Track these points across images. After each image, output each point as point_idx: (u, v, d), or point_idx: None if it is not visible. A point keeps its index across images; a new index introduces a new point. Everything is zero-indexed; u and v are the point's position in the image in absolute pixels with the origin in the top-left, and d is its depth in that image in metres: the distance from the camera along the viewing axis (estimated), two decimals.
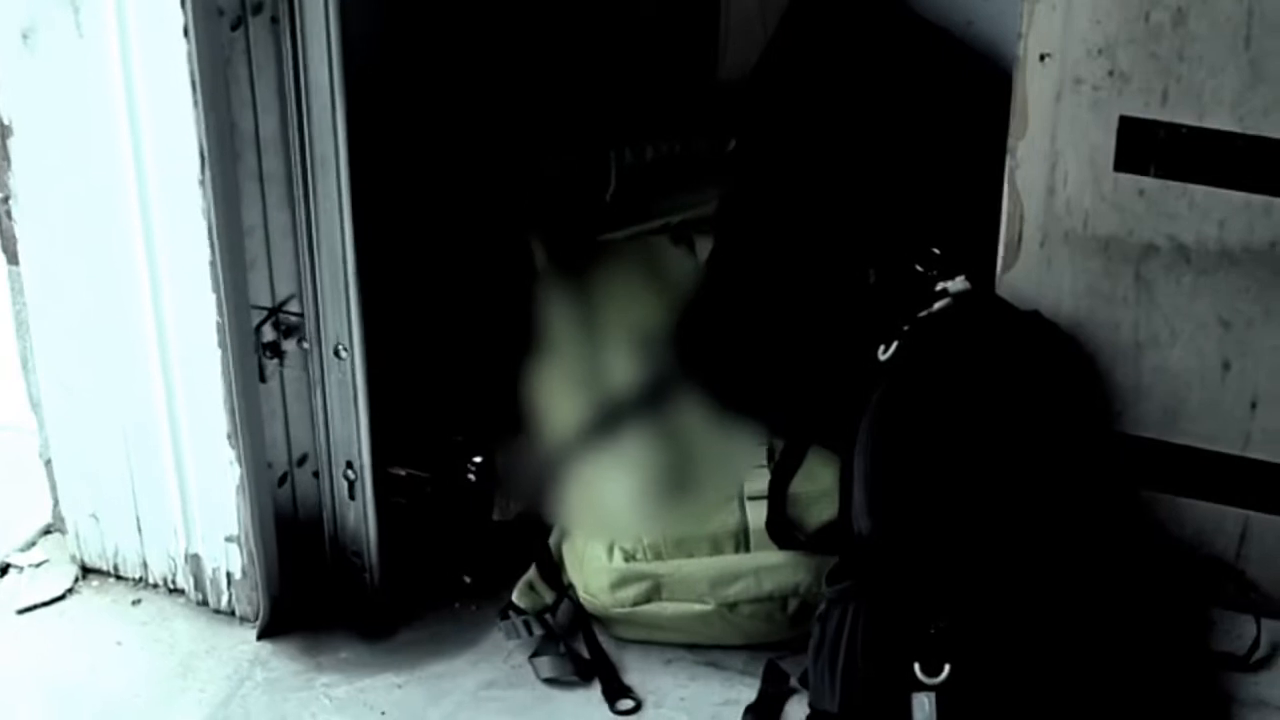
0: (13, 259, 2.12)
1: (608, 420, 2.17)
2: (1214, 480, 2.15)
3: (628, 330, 2.24)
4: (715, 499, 2.11)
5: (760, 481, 2.11)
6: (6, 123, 2.02)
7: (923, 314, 2.09)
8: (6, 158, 2.04)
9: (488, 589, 2.22)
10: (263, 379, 2.11)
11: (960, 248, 2.17)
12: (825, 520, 2.07)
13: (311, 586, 2.21)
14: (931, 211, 2.23)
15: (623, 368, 2.21)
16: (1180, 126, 2.02)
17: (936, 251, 2.16)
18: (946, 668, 1.88)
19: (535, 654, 2.13)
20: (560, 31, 2.47)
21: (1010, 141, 2.09)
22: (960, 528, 1.94)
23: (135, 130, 1.97)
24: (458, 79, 2.38)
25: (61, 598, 2.25)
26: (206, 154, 1.94)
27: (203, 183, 1.96)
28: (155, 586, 2.24)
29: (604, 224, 2.39)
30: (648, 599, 2.10)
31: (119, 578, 2.25)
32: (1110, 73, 2.02)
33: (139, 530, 2.21)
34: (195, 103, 1.92)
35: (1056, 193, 2.09)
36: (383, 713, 2.10)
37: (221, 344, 2.03)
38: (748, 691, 2.09)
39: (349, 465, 2.15)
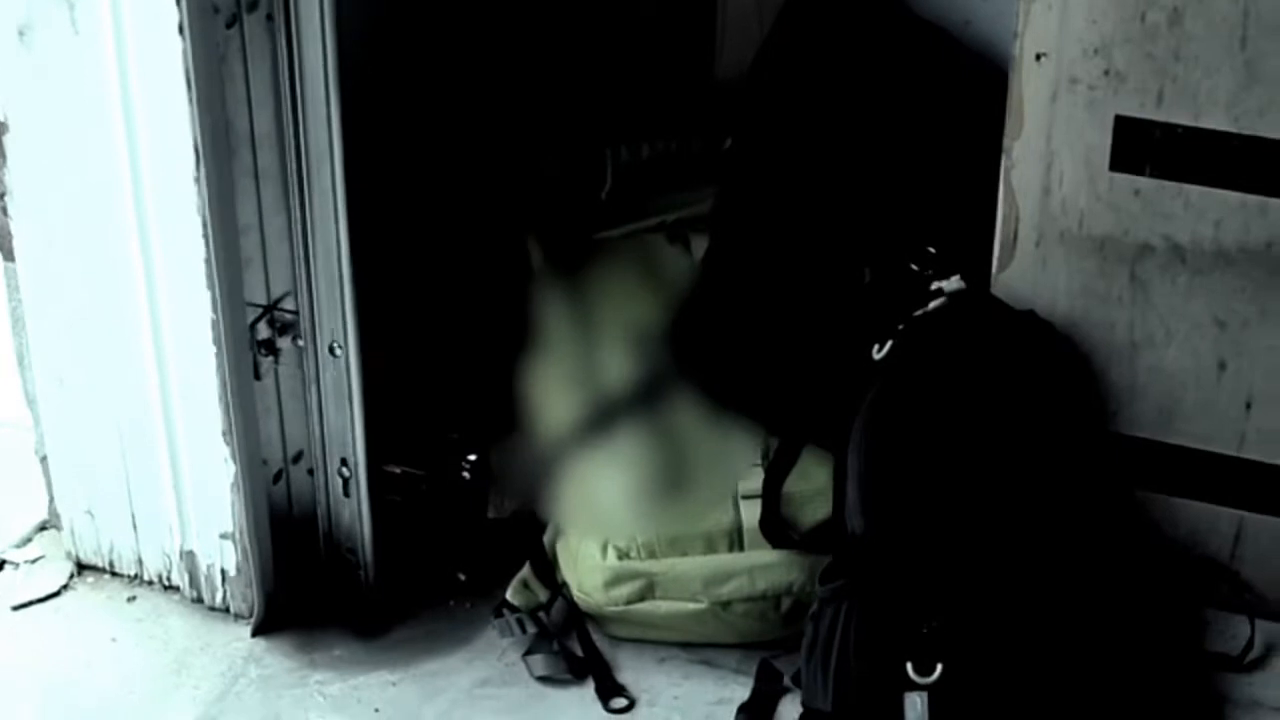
0: (8, 256, 2.12)
1: (602, 418, 2.16)
2: (1209, 480, 2.14)
3: (623, 328, 2.24)
4: (709, 497, 2.11)
5: (754, 480, 2.11)
6: (2, 119, 2.02)
7: (918, 313, 2.08)
8: (2, 154, 2.04)
9: (482, 587, 2.22)
10: (258, 376, 2.11)
11: (956, 247, 2.17)
12: (819, 519, 2.08)
13: (306, 584, 2.21)
14: (927, 210, 2.23)
15: (618, 366, 2.21)
16: (1176, 126, 2.01)
17: (932, 251, 2.16)
18: (939, 667, 1.88)
19: (529, 652, 2.13)
20: (557, 29, 2.47)
21: (1006, 141, 2.09)
22: (953, 527, 1.94)
23: (130, 127, 1.97)
24: (453, 77, 2.38)
25: (56, 594, 2.25)
26: (201, 151, 1.94)
27: (197, 180, 1.96)
28: (150, 583, 2.24)
29: (600, 222, 2.39)
30: (641, 597, 2.10)
31: (114, 574, 2.26)
32: (1106, 72, 2.02)
33: (134, 527, 2.21)
34: (190, 100, 1.92)
35: (1052, 192, 2.08)
36: (376, 710, 2.10)
37: (216, 341, 2.03)
38: (741, 690, 2.09)
39: (344, 463, 2.16)
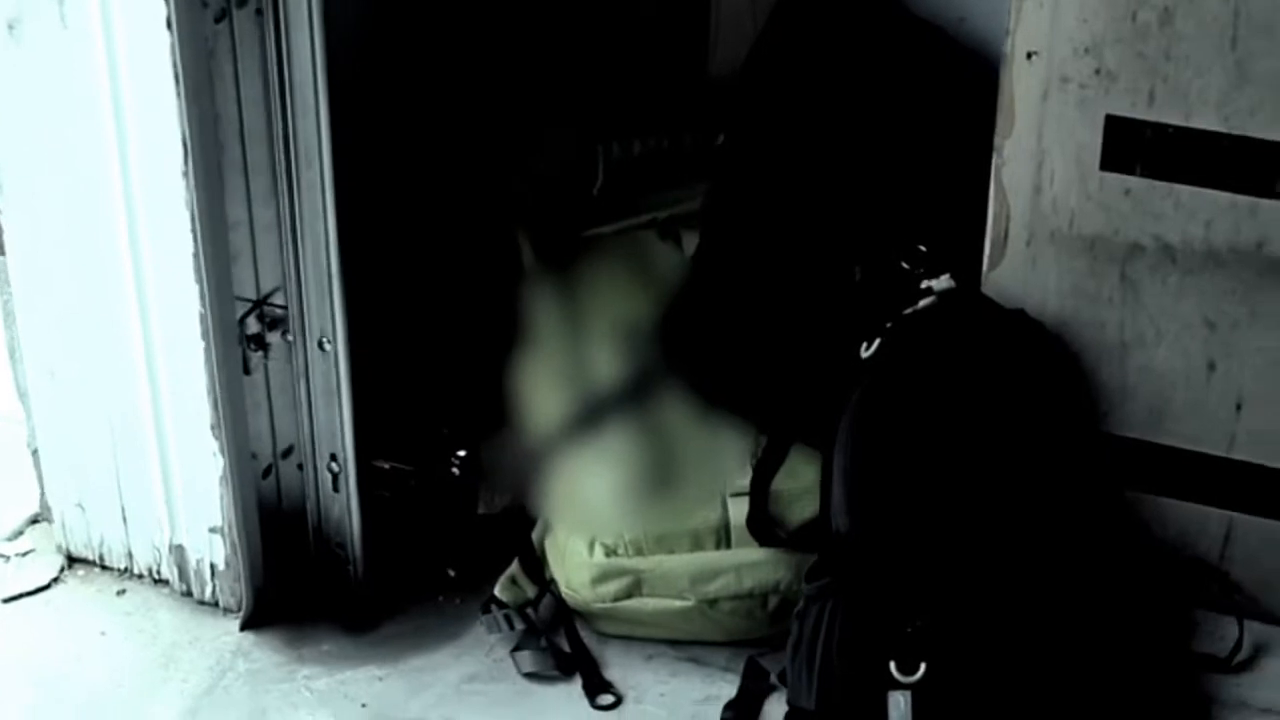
0: None
1: (591, 415, 2.16)
2: (1198, 481, 2.14)
3: (613, 325, 2.24)
4: (697, 495, 2.11)
5: (742, 478, 2.11)
6: None
7: (907, 311, 2.08)
8: None
9: (471, 582, 2.22)
10: (247, 371, 2.11)
11: (947, 246, 2.17)
12: (807, 518, 2.07)
13: (295, 578, 2.21)
14: (919, 209, 2.23)
15: (608, 363, 2.21)
16: (1166, 126, 2.01)
17: (923, 249, 2.16)
18: (922, 667, 1.88)
19: (517, 648, 2.13)
20: (550, 25, 2.47)
21: (997, 139, 2.08)
22: (939, 527, 1.94)
23: (120, 122, 1.97)
24: (445, 72, 2.38)
25: (47, 587, 2.25)
26: (189, 146, 1.94)
27: (186, 174, 1.96)
28: (140, 577, 2.25)
29: (591, 218, 2.39)
30: (628, 594, 2.10)
31: (104, 568, 2.26)
32: (1097, 71, 2.01)
33: (124, 520, 2.22)
34: (178, 94, 1.92)
35: (1043, 191, 2.08)
36: (363, 705, 2.10)
37: (204, 336, 2.03)
38: (728, 688, 2.09)
39: (333, 458, 2.16)
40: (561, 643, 2.15)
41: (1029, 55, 2.04)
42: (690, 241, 2.32)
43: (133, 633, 2.19)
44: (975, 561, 1.94)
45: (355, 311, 2.09)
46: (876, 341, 2.05)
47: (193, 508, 2.16)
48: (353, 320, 2.09)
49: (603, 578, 2.10)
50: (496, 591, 2.17)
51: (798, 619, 1.96)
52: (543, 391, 2.22)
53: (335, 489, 2.17)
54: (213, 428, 2.08)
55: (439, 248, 2.33)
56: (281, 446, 2.18)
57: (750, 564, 2.08)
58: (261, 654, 2.16)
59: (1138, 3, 1.97)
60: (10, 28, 1.96)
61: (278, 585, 2.20)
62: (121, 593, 2.24)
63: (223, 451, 2.09)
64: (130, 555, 2.24)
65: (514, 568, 2.19)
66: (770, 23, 2.34)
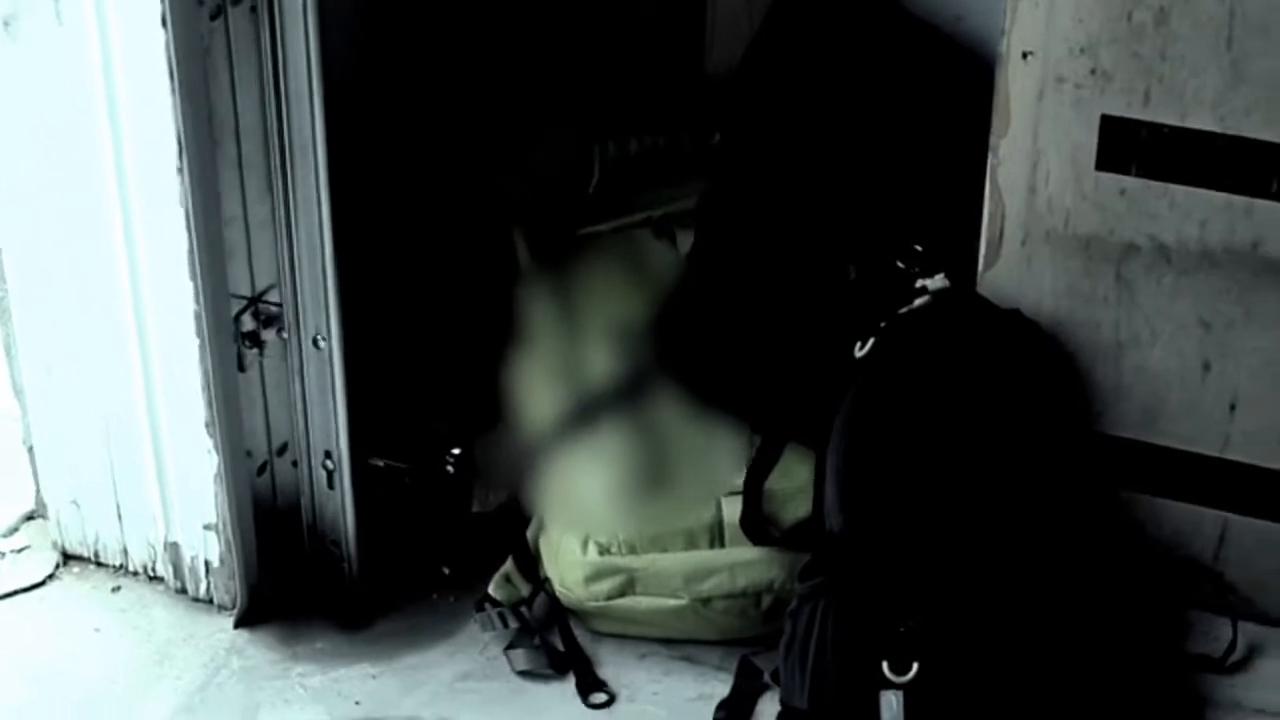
0: None
1: (586, 413, 2.16)
2: (1193, 481, 2.14)
3: (608, 323, 2.24)
4: (691, 494, 2.11)
5: (736, 477, 2.10)
6: None
7: (901, 311, 2.08)
8: None
9: (466, 580, 2.22)
10: (242, 368, 2.11)
11: (943, 245, 2.17)
12: (800, 517, 2.07)
13: (290, 576, 2.21)
14: (915, 208, 2.23)
15: (602, 361, 2.21)
16: (1162, 126, 2.01)
17: (918, 248, 2.16)
18: (915, 666, 1.88)
19: (510, 646, 2.13)
20: (547, 23, 2.47)
21: (992, 139, 2.08)
22: (932, 527, 1.94)
23: (114, 118, 1.97)
24: (441, 70, 2.38)
25: (42, 584, 2.25)
26: (184, 142, 1.94)
27: (180, 171, 1.96)
28: (135, 574, 2.25)
29: (586, 217, 2.39)
30: (622, 593, 2.10)
31: (99, 564, 2.26)
32: (1092, 71, 2.01)
33: (119, 517, 2.22)
34: (173, 91, 1.92)
35: (1038, 191, 2.08)
36: (357, 703, 2.10)
37: (199, 333, 2.03)
38: (721, 687, 2.09)
39: (328, 455, 2.16)
40: (555, 641, 2.14)
41: (1024, 55, 2.03)
42: (686, 240, 2.32)
43: (127, 629, 2.19)
44: (968, 561, 1.94)
45: (350, 309, 2.09)
46: (870, 341, 2.05)
47: (187, 505, 2.16)
48: (347, 317, 2.09)
49: (596, 576, 2.10)
50: (490, 590, 2.18)
51: (791, 618, 1.96)
52: (537, 389, 2.21)
53: (330, 486, 2.17)
54: (207, 425, 2.08)
55: (434, 245, 2.32)
56: (276, 444, 2.18)
57: (744, 563, 2.08)
58: (255, 651, 2.16)
59: (1133, 2, 1.97)
60: (5, 24, 1.96)
61: (272, 582, 2.20)
62: (116, 589, 2.24)
63: (217, 449, 2.09)
64: (125, 552, 2.24)
65: (508, 566, 2.19)
66: (766, 22, 2.35)
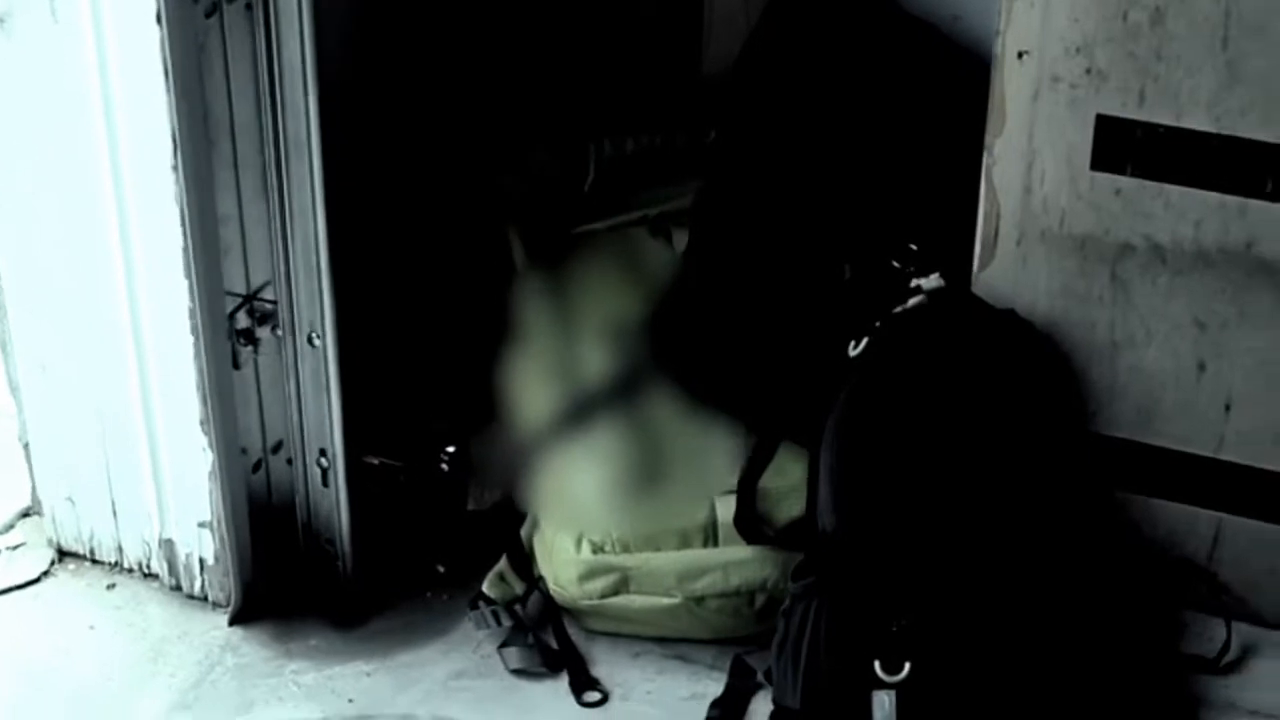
0: None
1: (580, 412, 2.16)
2: (1187, 482, 2.14)
3: (603, 322, 2.24)
4: (685, 492, 2.11)
5: (730, 476, 2.10)
6: None
7: (896, 310, 2.08)
8: None
9: (461, 578, 2.22)
10: (236, 366, 2.12)
11: (939, 244, 2.17)
12: (794, 516, 2.07)
13: (284, 573, 2.21)
14: (911, 207, 2.22)
15: (597, 360, 2.21)
16: (1157, 126, 2.01)
17: (914, 248, 2.16)
18: (907, 666, 1.88)
19: (504, 644, 2.14)
20: (543, 21, 2.47)
21: (988, 139, 2.08)
22: (925, 526, 1.94)
23: (109, 116, 1.97)
24: (437, 68, 2.38)
25: (37, 580, 2.26)
26: (179, 140, 1.94)
27: (175, 169, 1.96)
28: (130, 571, 2.25)
29: (582, 215, 2.39)
30: (615, 591, 2.10)
31: (95, 561, 2.26)
32: (1088, 71, 2.01)
33: (114, 514, 2.22)
34: (168, 89, 1.92)
35: (1033, 191, 2.08)
36: (350, 700, 2.10)
37: (194, 330, 2.04)
38: (715, 686, 2.09)
39: (322, 453, 2.16)
40: (549, 639, 2.14)
41: (1020, 55, 2.03)
42: (681, 239, 2.32)
43: (122, 627, 2.19)
44: (961, 561, 1.94)
45: (345, 307, 2.09)
46: (864, 340, 2.05)
47: (182, 502, 2.16)
48: (342, 315, 2.09)
49: (590, 574, 2.10)
50: (484, 588, 2.17)
51: (783, 617, 1.96)
52: (532, 388, 2.22)
53: (324, 484, 2.17)
54: (202, 423, 2.09)
55: (429, 243, 2.32)
56: (271, 441, 2.18)
57: (737, 562, 2.08)
58: (249, 649, 2.16)
59: (1129, 2, 1.97)
60: (1, 21, 1.96)
61: (267, 580, 2.20)
62: (111, 587, 2.24)
63: (212, 446, 2.09)
64: (120, 549, 2.24)
65: (502, 564, 2.19)
66: (763, 20, 2.34)
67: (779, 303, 2.16)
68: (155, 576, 2.23)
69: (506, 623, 2.15)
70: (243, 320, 2.11)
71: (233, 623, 2.18)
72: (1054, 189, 2.07)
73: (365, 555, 2.21)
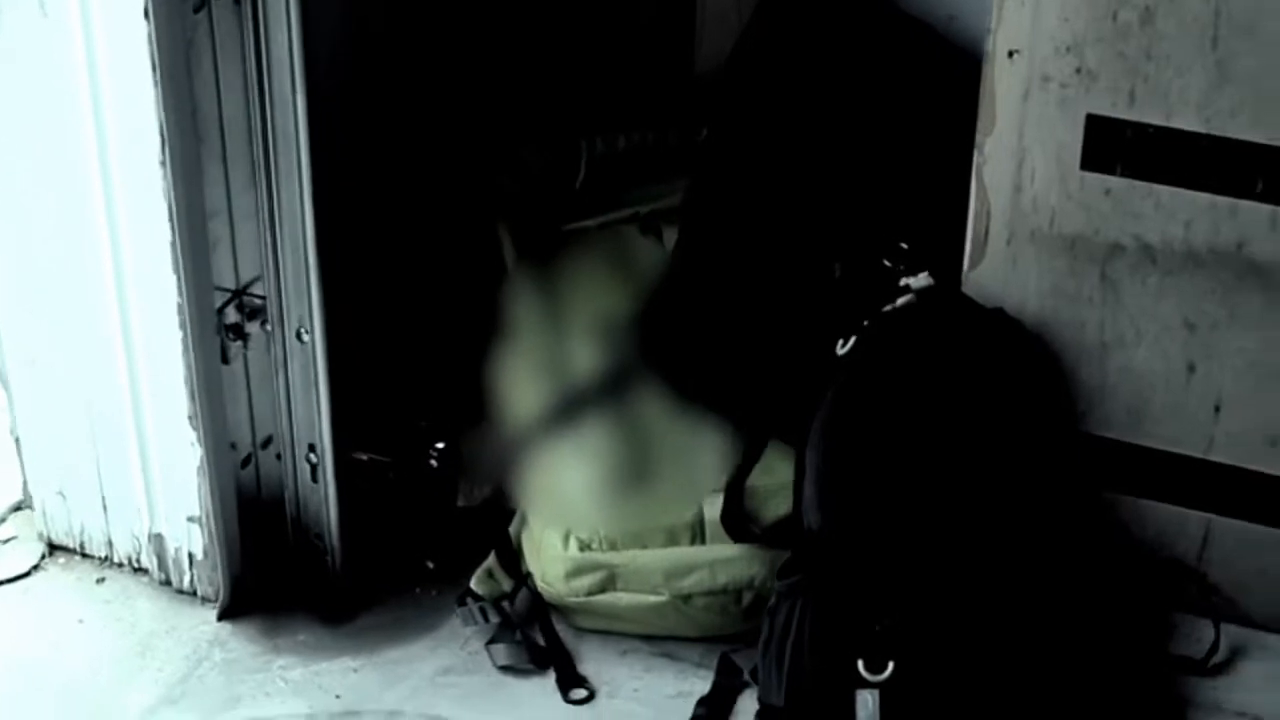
0: None
1: (569, 409, 2.16)
2: (1177, 482, 2.13)
3: (593, 319, 2.24)
4: (673, 491, 2.11)
5: (719, 476, 2.10)
6: None
7: (885, 309, 2.08)
8: None
9: (450, 575, 2.22)
10: (226, 361, 2.12)
11: (930, 243, 2.16)
12: (782, 514, 2.07)
13: (273, 568, 2.22)
14: (904, 206, 2.22)
15: (587, 357, 2.20)
16: (1147, 126, 2.00)
17: (905, 247, 2.15)
18: (890, 665, 1.88)
19: (492, 641, 2.13)
20: (535, 18, 2.46)
21: (978, 138, 2.08)
22: (910, 526, 1.93)
23: (98, 110, 1.97)
24: (428, 64, 2.38)
25: (27, 574, 2.26)
26: (166, 135, 1.94)
27: (163, 163, 1.96)
28: (120, 565, 2.25)
29: (573, 212, 2.39)
30: (603, 589, 2.10)
31: (85, 555, 2.26)
32: (1078, 71, 2.01)
33: (104, 509, 2.22)
34: (155, 83, 1.92)
35: (1023, 190, 2.07)
36: (337, 696, 2.10)
37: (182, 325, 2.04)
38: (701, 684, 2.09)
39: (311, 448, 2.16)
40: (537, 636, 2.14)
41: (1010, 54, 2.03)
42: (672, 237, 2.31)
43: (111, 621, 2.19)
44: (946, 561, 1.93)
45: (334, 302, 2.09)
46: (852, 339, 2.04)
47: (171, 497, 2.16)
48: (331, 311, 2.09)
49: (577, 571, 2.10)
50: (472, 584, 2.17)
51: (769, 616, 1.96)
52: (522, 385, 2.21)
53: (314, 480, 2.17)
54: (190, 418, 2.09)
55: (419, 239, 2.32)
56: (261, 436, 2.18)
57: (724, 560, 2.08)
58: (238, 643, 2.16)
59: (1119, 2, 1.96)
60: None
61: (255, 575, 2.20)
62: (101, 581, 2.24)
63: (200, 441, 2.09)
64: (110, 544, 2.24)
65: (490, 561, 2.19)
66: (755, 18, 2.34)
67: (769, 301, 2.16)
68: (145, 571, 2.23)
69: (494, 619, 2.15)
70: (232, 315, 2.11)
71: (221, 618, 2.18)
72: (1044, 188, 2.06)
73: (354, 551, 2.21)
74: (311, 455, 2.16)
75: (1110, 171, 2.03)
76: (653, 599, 2.10)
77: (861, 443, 1.98)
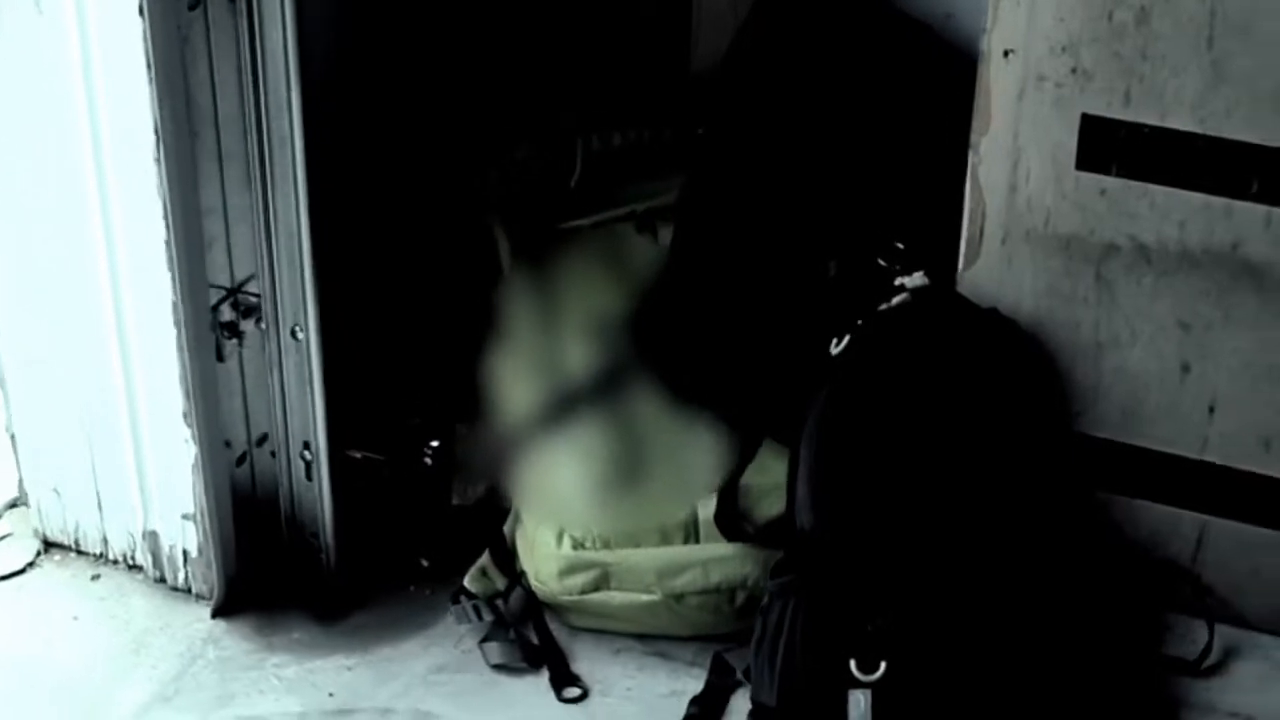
0: None
1: (563, 407, 2.16)
2: (1171, 483, 2.13)
3: (588, 318, 2.23)
4: (666, 490, 2.11)
5: (713, 477, 2.10)
6: None
7: (880, 309, 2.07)
8: None
9: (445, 573, 2.22)
10: (220, 358, 2.12)
11: (925, 243, 2.16)
12: (775, 514, 2.07)
13: (268, 566, 2.22)
14: (899, 205, 2.22)
15: (581, 355, 2.20)
16: (1142, 126, 2.00)
17: (900, 246, 2.15)
18: (882, 665, 1.88)
19: (485, 639, 2.14)
20: (531, 15, 2.46)
21: (973, 137, 2.08)
22: (904, 526, 1.93)
23: (93, 108, 1.98)
24: (423, 62, 2.38)
25: (23, 571, 2.26)
26: (161, 132, 1.94)
27: (158, 161, 1.96)
28: (115, 562, 2.25)
29: (568, 210, 2.38)
30: (596, 587, 2.10)
31: (80, 552, 2.27)
32: (1073, 70, 2.01)
33: (99, 506, 2.22)
34: (150, 81, 1.92)
35: (1018, 190, 2.07)
36: (330, 694, 2.10)
37: (177, 323, 2.04)
38: (694, 683, 2.09)
39: (306, 446, 2.16)
40: (530, 635, 2.14)
41: (1005, 53, 2.03)
42: (667, 235, 2.31)
43: (105, 618, 2.19)
44: (940, 561, 1.93)
45: (329, 301, 2.09)
46: (846, 338, 2.04)
47: (166, 494, 2.16)
48: (326, 309, 2.09)
49: (570, 570, 2.10)
50: (466, 583, 2.18)
51: (761, 615, 1.96)
52: (516, 383, 2.21)
53: (308, 478, 2.17)
54: (185, 415, 2.09)
55: (414, 238, 2.32)
56: (256, 434, 2.18)
57: (717, 559, 2.08)
58: (231, 641, 2.16)
59: (1114, 2, 1.96)
60: None
61: (250, 572, 2.20)
62: (96, 578, 2.24)
63: (195, 439, 2.10)
64: (105, 541, 2.24)
65: (484, 559, 2.19)
66: (752, 16, 2.34)
67: (764, 300, 2.16)
68: (140, 568, 2.24)
69: (488, 618, 2.15)
70: (227, 313, 2.11)
71: (215, 615, 2.19)
72: (1039, 188, 2.06)
73: (348, 549, 2.21)
74: (306, 453, 2.16)
75: (1105, 171, 2.03)
76: (646, 598, 2.10)
77: (855, 442, 1.97)
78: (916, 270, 2.11)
